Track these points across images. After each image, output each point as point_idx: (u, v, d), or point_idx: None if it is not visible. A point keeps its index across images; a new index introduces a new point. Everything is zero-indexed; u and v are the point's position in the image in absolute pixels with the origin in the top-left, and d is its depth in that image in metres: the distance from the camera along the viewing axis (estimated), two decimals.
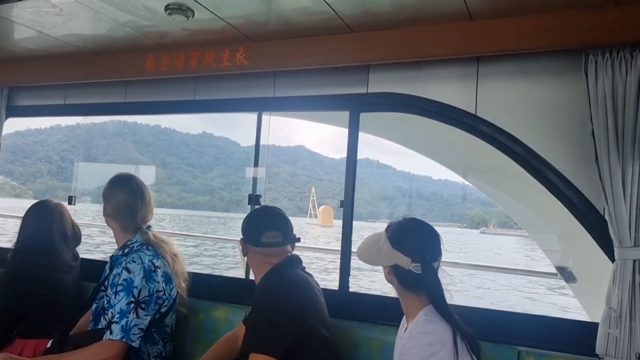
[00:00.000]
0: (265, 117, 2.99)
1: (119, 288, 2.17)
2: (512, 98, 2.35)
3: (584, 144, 2.15)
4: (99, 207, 2.46)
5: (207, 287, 2.56)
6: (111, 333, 2.10)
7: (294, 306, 1.91)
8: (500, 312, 2.38)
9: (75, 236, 2.90)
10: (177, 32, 2.68)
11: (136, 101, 3.27)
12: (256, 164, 3.03)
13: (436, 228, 1.85)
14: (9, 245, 3.01)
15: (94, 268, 2.83)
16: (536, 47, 2.21)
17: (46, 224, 2.76)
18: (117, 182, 2.44)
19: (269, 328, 1.86)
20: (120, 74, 3.13)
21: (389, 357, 2.19)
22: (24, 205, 2.87)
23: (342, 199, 2.67)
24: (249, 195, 2.99)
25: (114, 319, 2.12)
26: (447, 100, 2.46)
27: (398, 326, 2.00)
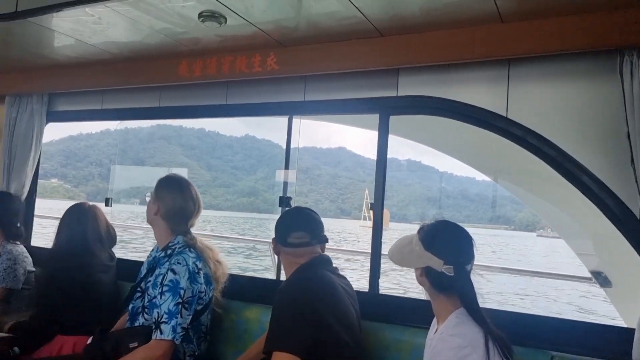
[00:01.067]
0: (297, 121, 3.02)
1: (165, 289, 2.23)
2: (545, 100, 2.32)
3: (618, 147, 2.11)
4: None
5: (239, 288, 2.60)
6: (161, 333, 2.16)
7: (311, 306, 1.93)
8: (533, 315, 2.35)
9: (110, 237, 3.00)
10: (210, 39, 2.74)
11: (170, 106, 3.35)
12: (287, 167, 3.06)
13: (483, 230, 1.84)
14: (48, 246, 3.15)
15: (130, 268, 2.92)
16: (569, 48, 2.18)
17: (81, 226, 2.87)
18: (177, 185, 2.49)
19: (289, 326, 1.89)
20: (155, 80, 3.21)
21: (419, 359, 2.20)
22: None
23: (372, 202, 2.69)
24: (280, 197, 3.03)
25: (163, 320, 2.17)
26: (478, 102, 2.44)
27: (428, 329, 2.00)
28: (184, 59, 3.03)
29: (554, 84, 2.32)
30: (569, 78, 2.29)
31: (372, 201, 2.72)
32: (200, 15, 2.40)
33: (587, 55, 2.22)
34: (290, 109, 2.98)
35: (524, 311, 2.42)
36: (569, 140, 2.25)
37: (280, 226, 2.24)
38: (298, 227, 2.18)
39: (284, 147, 3.03)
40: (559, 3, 2.08)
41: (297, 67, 2.76)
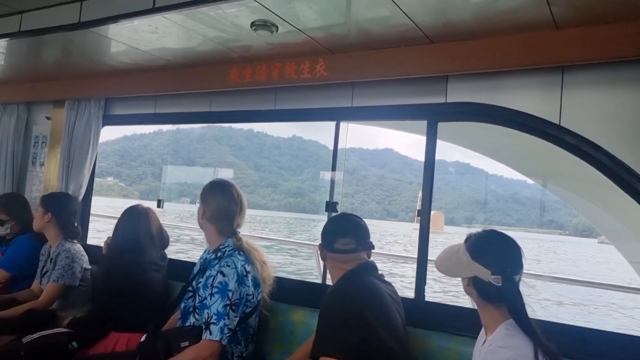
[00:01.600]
0: (344, 125, 3.04)
1: (214, 290, 2.30)
2: (600, 107, 2.26)
3: None
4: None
5: (286, 291, 2.65)
6: (210, 333, 2.23)
7: (361, 311, 1.95)
8: (584, 328, 2.29)
9: (162, 238, 3.11)
10: (261, 46, 2.80)
11: (220, 110, 3.43)
12: (334, 169, 3.09)
13: (535, 235, 1.82)
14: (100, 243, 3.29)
15: (180, 268, 3.02)
16: (625, 55, 2.11)
17: (134, 226, 3.00)
18: (219, 187, 2.57)
19: (336, 332, 1.91)
20: (206, 86, 3.30)
21: None
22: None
23: (419, 209, 2.69)
24: (326, 202, 3.06)
25: (212, 320, 2.24)
26: (529, 109, 2.40)
27: (474, 338, 1.98)
28: (235, 65, 3.11)
29: (609, 91, 2.25)
30: (625, 85, 2.22)
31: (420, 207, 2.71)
32: (252, 24, 2.46)
33: None
34: (338, 115, 3.00)
35: (574, 323, 2.37)
36: (625, 148, 2.19)
37: (327, 232, 2.28)
38: (345, 233, 2.21)
39: (331, 148, 3.06)
40: (614, 9, 2.03)
41: (346, 74, 2.78)
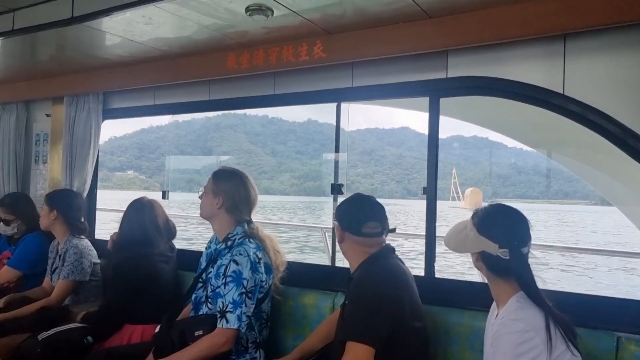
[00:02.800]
0: (345, 105, 3.02)
1: (229, 279, 2.30)
2: (604, 74, 2.23)
3: None
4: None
5: (296, 275, 2.65)
6: (227, 322, 2.24)
7: (392, 297, 1.95)
8: (597, 297, 2.29)
9: (168, 229, 3.12)
10: (257, 31, 2.76)
11: (219, 98, 3.41)
12: (337, 150, 3.08)
13: (561, 206, 1.80)
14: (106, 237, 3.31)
15: (189, 258, 3.03)
16: (629, 19, 2.07)
17: (139, 218, 3.00)
18: (237, 176, 2.54)
19: (368, 318, 1.90)
20: (204, 74, 3.28)
21: (478, 342, 2.20)
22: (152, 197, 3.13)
23: (425, 185, 2.68)
24: (332, 184, 3.05)
25: (228, 309, 2.25)
26: (532, 80, 2.37)
27: (486, 312, 1.99)
28: (232, 52, 3.08)
29: (613, 57, 2.22)
30: (629, 50, 2.18)
31: (428, 185, 2.70)
32: (247, 9, 2.42)
33: None
34: (339, 96, 2.97)
35: (587, 292, 2.37)
36: (631, 114, 2.16)
37: (351, 215, 2.21)
38: (372, 216, 2.18)
39: (347, 130, 3.05)
40: None
41: (344, 54, 2.75)
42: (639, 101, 2.16)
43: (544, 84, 2.34)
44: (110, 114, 3.95)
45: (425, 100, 2.70)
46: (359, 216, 2.18)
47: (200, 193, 2.56)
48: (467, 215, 1.92)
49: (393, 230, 2.24)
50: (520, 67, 2.41)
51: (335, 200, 2.97)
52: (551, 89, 2.32)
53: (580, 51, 2.28)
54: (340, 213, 2.26)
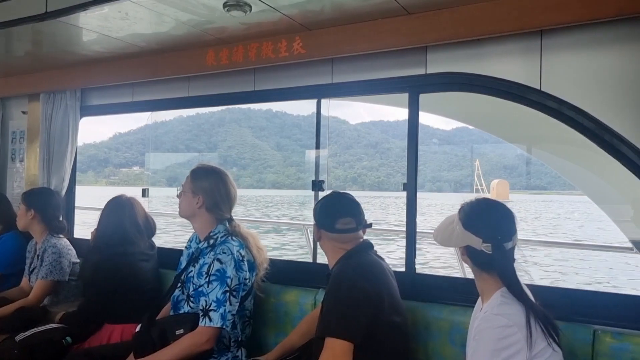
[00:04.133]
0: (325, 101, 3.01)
1: (212, 278, 2.29)
2: (580, 70, 2.25)
3: None
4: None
5: (277, 272, 2.65)
6: (210, 320, 2.22)
7: (369, 292, 1.95)
8: (574, 290, 2.33)
9: (149, 227, 3.08)
10: (235, 27, 2.74)
11: (199, 95, 3.38)
12: (317, 147, 3.07)
13: (571, 198, 1.80)
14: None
15: (170, 256, 3.00)
16: (604, 16, 2.09)
17: (118, 217, 2.96)
18: (216, 174, 2.50)
19: (346, 314, 1.91)
20: (183, 70, 3.24)
21: (458, 337, 2.22)
22: (159, 194, 3.07)
23: (405, 182, 2.69)
24: (312, 181, 3.04)
25: (211, 308, 2.24)
26: (510, 76, 2.39)
27: (466, 307, 2.01)
28: (211, 48, 3.05)
29: (589, 53, 2.24)
30: (605, 46, 2.21)
31: (406, 181, 2.71)
32: (225, 5, 2.40)
33: (623, 22, 2.13)
34: (319, 92, 2.96)
35: (565, 286, 2.40)
36: (606, 110, 2.19)
37: (324, 212, 2.23)
38: (345, 213, 2.18)
39: (352, 123, 3.06)
40: None
41: (324, 50, 2.74)
42: (614, 97, 2.19)
43: (522, 79, 2.36)
44: (88, 110, 3.89)
45: (405, 97, 2.71)
46: (332, 213, 2.19)
47: (179, 192, 2.53)
48: None
49: (369, 226, 2.25)
50: (498, 63, 2.43)
51: (316, 196, 2.97)
52: (528, 85, 2.34)
53: (556, 47, 2.30)
54: (316, 211, 2.27)
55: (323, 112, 3.04)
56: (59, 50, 3.33)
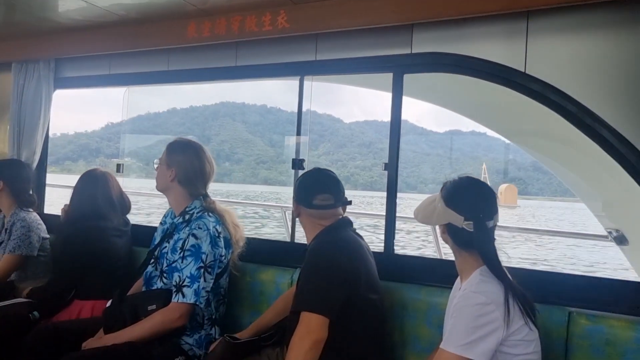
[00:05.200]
0: (308, 83, 2.96)
1: (187, 253, 2.24)
2: (565, 54, 2.25)
3: None
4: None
5: (254, 250, 2.60)
6: (183, 296, 2.18)
7: (346, 267, 1.94)
8: (551, 273, 2.35)
9: (123, 203, 3.00)
10: None
11: (179, 69, 3.29)
12: (299, 131, 3.02)
13: (561, 203, 1.81)
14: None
15: (145, 233, 2.93)
16: None
17: (91, 191, 2.88)
18: (192, 148, 2.45)
19: (322, 288, 1.89)
20: (163, 42, 3.15)
21: (435, 317, 2.22)
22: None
23: (386, 162, 2.66)
24: (293, 160, 3.00)
25: (185, 283, 2.19)
26: (495, 58, 2.37)
27: (443, 287, 2.01)
28: (192, 19, 2.96)
29: (574, 37, 2.24)
30: (591, 30, 2.21)
31: (387, 162, 2.68)
32: None
33: (609, 5, 2.14)
34: (301, 69, 2.91)
35: (542, 268, 2.42)
36: (590, 94, 2.19)
37: (303, 188, 2.21)
38: (323, 189, 2.16)
39: (346, 121, 3.04)
40: None
41: (309, 25, 2.68)
42: (599, 82, 2.19)
43: (507, 61, 2.35)
44: (63, 83, 3.77)
45: (388, 80, 2.67)
46: (310, 189, 2.17)
47: (156, 165, 2.48)
48: (503, 212, 1.91)
49: (349, 203, 2.23)
50: (484, 44, 2.41)
51: (296, 175, 2.93)
52: (513, 67, 2.33)
53: (542, 30, 2.29)
54: (295, 187, 2.25)
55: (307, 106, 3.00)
56: (33, 16, 3.20)
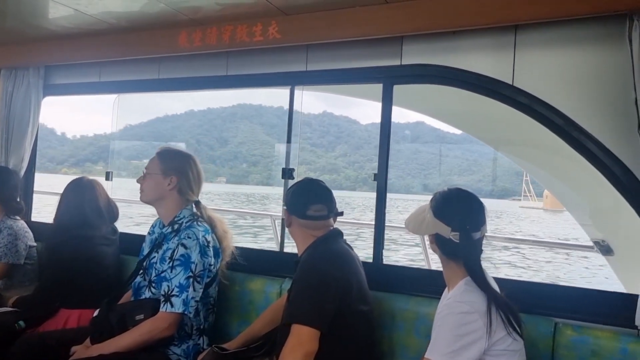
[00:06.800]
0: (299, 92, 2.98)
1: (176, 263, 2.23)
2: (552, 67, 2.29)
3: (626, 114, 2.08)
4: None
5: (243, 260, 2.60)
6: (172, 306, 2.16)
7: (338, 280, 1.94)
8: (537, 284, 2.38)
9: (111, 211, 2.98)
10: (210, 7, 2.68)
11: (169, 77, 3.29)
12: (289, 139, 3.03)
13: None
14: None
15: (133, 242, 2.91)
16: (577, 13, 2.14)
17: (78, 199, 2.86)
18: (184, 155, 2.47)
19: (314, 300, 1.89)
20: (154, 51, 3.15)
21: (423, 328, 2.23)
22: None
23: (375, 173, 2.68)
24: (283, 169, 3.00)
25: (174, 293, 2.18)
26: (483, 70, 2.41)
27: (431, 298, 2.02)
28: (184, 28, 2.97)
29: (561, 51, 2.28)
30: (577, 44, 2.25)
31: (376, 172, 2.70)
32: None
33: (596, 20, 2.18)
34: (292, 79, 2.93)
35: (528, 279, 2.44)
36: (576, 107, 2.23)
37: (296, 198, 2.20)
38: (317, 199, 2.16)
39: (363, 123, 2.96)
40: None
41: (300, 36, 2.70)
42: (584, 95, 2.23)
43: (495, 74, 2.38)
44: (52, 90, 3.75)
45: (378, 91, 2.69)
46: (304, 199, 2.17)
47: (141, 176, 2.44)
48: (545, 216, 1.91)
49: (341, 214, 2.23)
50: (473, 56, 2.44)
51: (286, 184, 2.93)
52: (501, 80, 2.36)
53: (530, 44, 2.33)
54: (288, 197, 2.25)
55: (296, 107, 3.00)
56: (24, 23, 3.19)
